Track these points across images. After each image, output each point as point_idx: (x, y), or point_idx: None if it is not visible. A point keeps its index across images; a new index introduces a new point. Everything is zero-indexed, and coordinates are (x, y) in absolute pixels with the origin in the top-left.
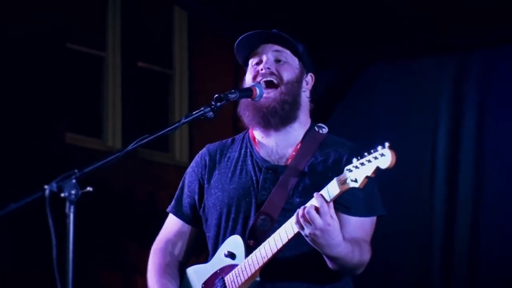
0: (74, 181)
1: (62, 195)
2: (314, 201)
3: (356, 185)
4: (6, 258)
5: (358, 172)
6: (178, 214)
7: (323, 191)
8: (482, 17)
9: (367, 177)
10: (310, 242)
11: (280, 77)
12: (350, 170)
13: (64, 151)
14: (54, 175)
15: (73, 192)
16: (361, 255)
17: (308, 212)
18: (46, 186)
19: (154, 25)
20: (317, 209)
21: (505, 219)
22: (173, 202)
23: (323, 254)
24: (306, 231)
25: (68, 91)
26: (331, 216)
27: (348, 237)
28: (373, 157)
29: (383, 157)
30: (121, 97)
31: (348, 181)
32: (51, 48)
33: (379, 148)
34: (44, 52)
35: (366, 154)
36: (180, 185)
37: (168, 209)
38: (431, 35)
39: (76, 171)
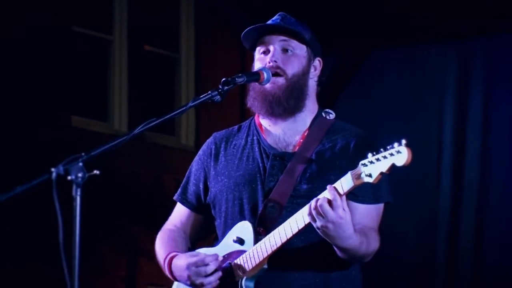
0: (81, 164)
1: (69, 178)
2: (327, 194)
3: (371, 180)
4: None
5: (373, 167)
6: (184, 202)
7: (337, 184)
8: (486, 6)
9: (381, 173)
10: (321, 234)
11: (284, 71)
12: (365, 165)
13: (70, 134)
14: (60, 158)
15: (80, 175)
16: (370, 245)
17: (321, 205)
18: (53, 169)
19: (161, 8)
20: (329, 202)
21: (510, 204)
22: (179, 190)
23: (334, 245)
24: (318, 223)
25: (74, 74)
26: (344, 209)
27: (358, 226)
28: (389, 154)
29: (399, 154)
30: (127, 80)
31: (363, 175)
32: (57, 31)
33: (396, 144)
34: (51, 35)
35: (382, 150)
36: (187, 173)
37: (174, 197)
38: (436, 22)
39: (82, 154)
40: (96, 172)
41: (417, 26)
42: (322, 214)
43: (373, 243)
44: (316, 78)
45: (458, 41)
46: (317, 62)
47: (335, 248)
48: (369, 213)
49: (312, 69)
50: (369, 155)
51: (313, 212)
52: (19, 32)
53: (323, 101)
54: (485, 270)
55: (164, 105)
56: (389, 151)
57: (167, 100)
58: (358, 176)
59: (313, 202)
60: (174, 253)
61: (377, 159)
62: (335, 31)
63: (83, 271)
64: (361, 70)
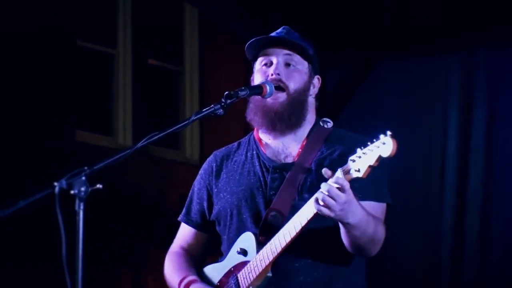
0: (83, 178)
1: (72, 192)
2: (332, 180)
3: (359, 175)
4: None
5: (361, 161)
6: (188, 221)
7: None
8: (490, 15)
9: (370, 166)
10: (331, 214)
11: (286, 86)
12: (354, 161)
13: (74, 149)
14: (64, 173)
15: (82, 189)
16: (377, 226)
17: (332, 188)
18: (55, 183)
19: (165, 22)
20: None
21: None
22: (183, 210)
23: (345, 225)
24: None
25: (78, 88)
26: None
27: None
28: (375, 146)
29: (384, 146)
30: (131, 94)
31: (352, 171)
32: (62, 46)
33: (381, 136)
34: (55, 49)
35: (369, 143)
36: (190, 193)
37: (179, 218)
38: (440, 32)
39: (85, 168)
40: (99, 186)
41: (420, 37)
42: (334, 197)
43: (380, 229)
44: (314, 95)
45: (462, 51)
46: (316, 80)
47: (344, 232)
48: (373, 209)
49: (311, 86)
50: (358, 150)
51: (325, 196)
52: (24, 46)
53: (327, 113)
54: (489, 275)
55: (169, 118)
56: (375, 144)
57: (172, 114)
58: (347, 172)
59: (324, 187)
60: (191, 277)
61: (364, 153)
62: (340, 43)
63: (87, 285)
64: (366, 81)
